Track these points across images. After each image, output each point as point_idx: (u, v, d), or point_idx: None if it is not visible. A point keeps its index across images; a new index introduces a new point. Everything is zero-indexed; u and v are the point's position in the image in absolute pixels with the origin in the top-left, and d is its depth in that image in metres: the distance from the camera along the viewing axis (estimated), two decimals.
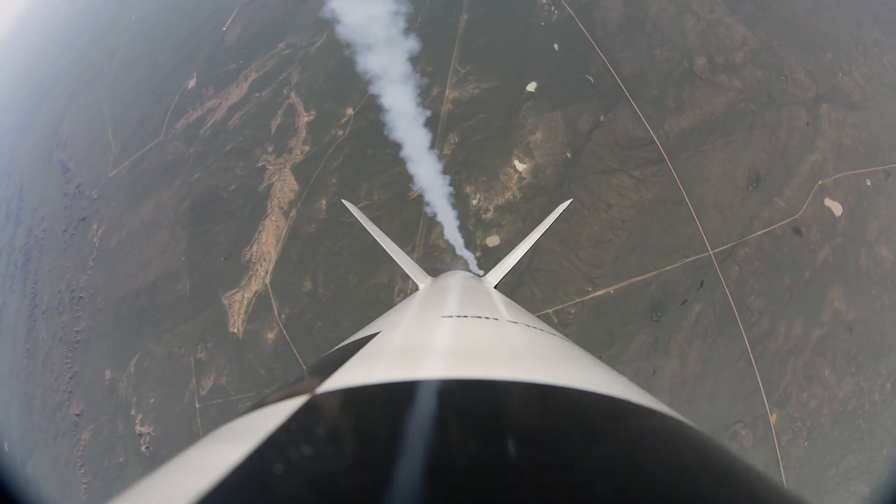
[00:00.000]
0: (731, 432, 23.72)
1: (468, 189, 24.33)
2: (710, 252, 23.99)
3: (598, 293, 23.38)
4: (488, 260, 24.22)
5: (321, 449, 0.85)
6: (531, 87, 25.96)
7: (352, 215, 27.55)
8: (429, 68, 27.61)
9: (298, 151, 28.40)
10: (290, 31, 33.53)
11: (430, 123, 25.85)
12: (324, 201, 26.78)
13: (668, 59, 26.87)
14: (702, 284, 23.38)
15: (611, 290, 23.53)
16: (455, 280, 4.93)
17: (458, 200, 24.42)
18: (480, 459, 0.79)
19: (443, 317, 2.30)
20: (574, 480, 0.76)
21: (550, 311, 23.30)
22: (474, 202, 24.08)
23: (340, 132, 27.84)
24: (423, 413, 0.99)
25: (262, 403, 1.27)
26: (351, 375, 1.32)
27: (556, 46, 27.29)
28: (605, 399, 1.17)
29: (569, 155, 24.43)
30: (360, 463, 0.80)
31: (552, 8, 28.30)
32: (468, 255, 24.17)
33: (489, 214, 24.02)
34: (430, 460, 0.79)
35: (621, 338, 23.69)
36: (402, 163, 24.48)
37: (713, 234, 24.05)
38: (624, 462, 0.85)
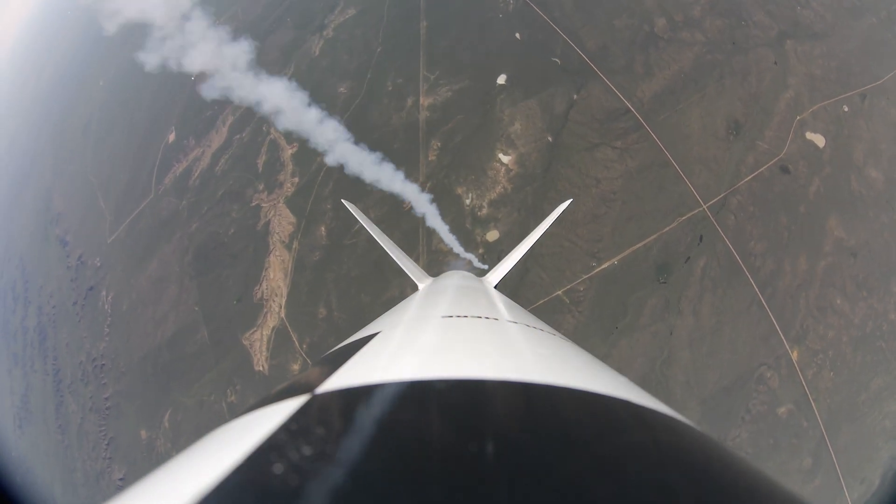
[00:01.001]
0: (757, 376, 24.52)
1: (459, 190, 25.23)
2: (704, 206, 24.79)
3: (603, 266, 24.24)
4: (491, 255, 25.09)
5: (321, 449, 0.86)
6: (501, 79, 26.83)
7: (353, 237, 28.49)
8: (399, 80, 28.52)
9: (289, 184, 29.32)
10: (259, 67, 34.43)
11: (410, 133, 26.74)
12: (323, 228, 27.70)
13: (628, 26, 27.68)
14: (701, 239, 24.20)
15: (615, 261, 24.37)
16: (455, 280, 4.97)
17: (452, 202, 25.31)
18: (480, 460, 0.80)
19: (443, 317, 2.32)
20: (574, 480, 0.77)
21: (560, 292, 24.16)
22: (467, 202, 24.99)
23: (319, 159, 28.79)
24: (423, 413, 1.01)
25: (262, 403, 1.29)
26: (351, 375, 1.33)
27: (517, 35, 28.14)
28: (606, 399, 1.19)
29: (550, 139, 25.30)
30: (360, 463, 0.80)
31: (511, 1, 29.16)
32: (469, 255, 25.07)
33: (484, 211, 24.91)
34: (429, 460, 0.80)
35: (633, 305, 24.52)
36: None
37: (703, 188, 24.85)
38: (624, 462, 0.86)
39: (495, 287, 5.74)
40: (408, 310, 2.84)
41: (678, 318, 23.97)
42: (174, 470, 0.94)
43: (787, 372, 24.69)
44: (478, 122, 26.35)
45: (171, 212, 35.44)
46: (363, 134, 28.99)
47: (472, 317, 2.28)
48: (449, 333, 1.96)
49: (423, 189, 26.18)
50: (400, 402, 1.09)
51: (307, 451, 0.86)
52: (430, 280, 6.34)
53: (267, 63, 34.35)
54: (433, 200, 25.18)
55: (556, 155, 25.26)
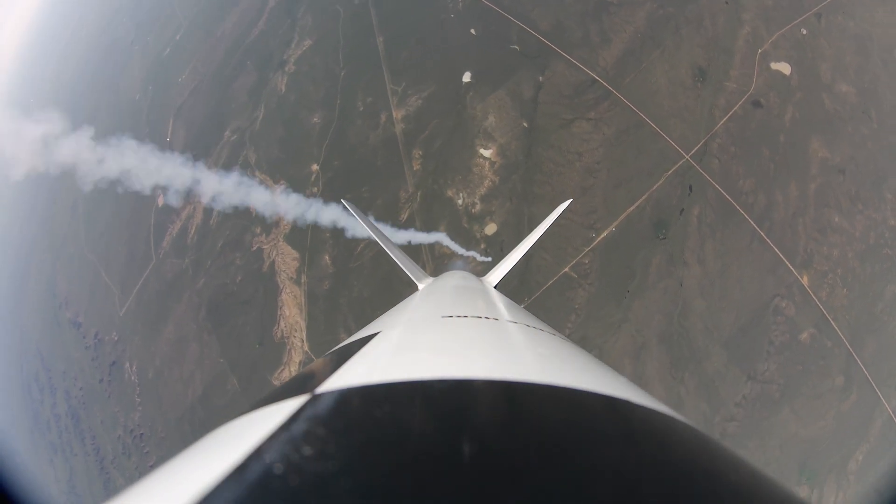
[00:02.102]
0: (773, 308, 25.36)
1: (450, 192, 26.17)
2: (687, 157, 25.64)
3: (602, 236, 25.14)
4: (493, 248, 26.02)
5: (321, 449, 0.87)
6: (467, 77, 27.74)
7: (357, 259, 29.42)
8: (368, 99, 29.46)
9: (284, 222, 30.30)
10: (229, 116, 35.40)
11: (390, 147, 27.67)
12: (326, 257, 28.67)
13: (581, 11, 28.55)
14: (691, 189, 25.06)
15: (612, 228, 25.26)
16: (455, 280, 5.01)
17: (445, 205, 26.24)
18: (480, 459, 0.81)
19: (443, 317, 2.34)
20: (575, 480, 0.78)
21: (567, 269, 25.08)
22: (459, 202, 25.94)
23: (315, 189, 29.72)
24: (423, 413, 1.03)
25: (262, 403, 1.31)
26: (351, 375, 1.34)
27: (473, 31, 29.04)
28: (606, 399, 1.21)
29: (525, 124, 26.20)
30: (360, 463, 0.81)
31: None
32: (472, 252, 25.99)
33: (477, 207, 25.84)
34: (429, 460, 0.81)
35: (639, 266, 25.41)
36: (382, 194, 26.31)
37: (682, 139, 25.70)
38: (624, 462, 0.87)
39: (495, 287, 5.84)
40: (408, 310, 2.88)
41: (685, 270, 24.86)
42: (174, 470, 0.96)
43: (801, 298, 25.54)
44: (453, 124, 27.27)
45: (175, 273, 36.46)
46: (345, 157, 29.94)
47: (472, 317, 2.32)
48: (449, 333, 2.00)
49: (413, 195, 27.12)
50: (400, 402, 1.11)
51: (307, 451, 0.87)
52: (429, 280, 6.37)
53: (237, 109, 35.35)
54: (432, 194, 26.00)
55: (535, 139, 26.15)
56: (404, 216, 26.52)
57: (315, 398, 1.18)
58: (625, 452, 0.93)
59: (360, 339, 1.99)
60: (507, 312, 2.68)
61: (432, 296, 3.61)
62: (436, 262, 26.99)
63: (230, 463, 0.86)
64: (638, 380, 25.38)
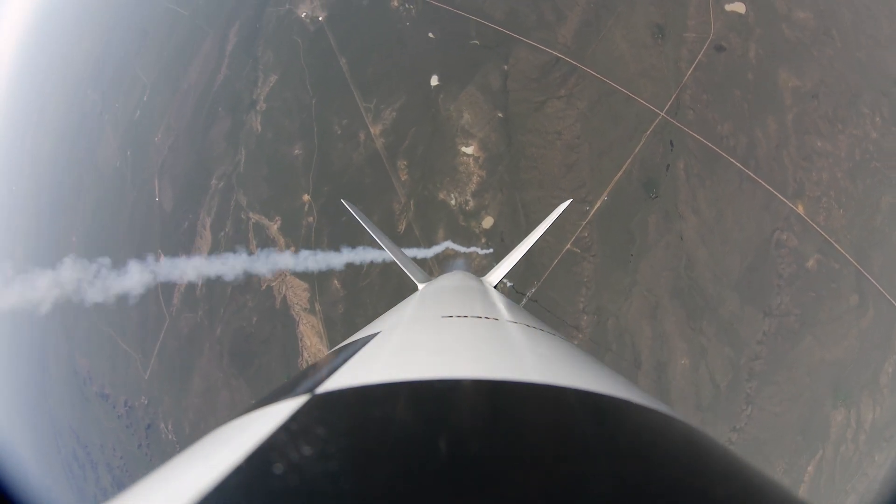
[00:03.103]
0: (775, 242, 26.10)
1: (442, 195, 26.99)
2: (662, 114, 26.39)
3: (596, 207, 25.93)
4: (493, 239, 26.85)
5: (321, 449, 0.88)
6: (434, 81, 28.54)
7: (365, 277, 30.24)
8: (344, 121, 30.29)
9: (289, 258, 31.19)
10: (212, 164, 36.27)
11: (375, 164, 28.50)
12: (335, 281, 29.50)
13: (540, 15, 29.32)
14: (672, 144, 25.82)
15: (604, 197, 26.04)
16: (454, 280, 5.04)
17: (440, 208, 27.05)
18: (480, 459, 0.82)
19: (442, 317, 2.36)
20: (575, 480, 0.78)
21: (569, 246, 25.89)
22: (453, 202, 26.76)
23: (310, 219, 30.58)
24: (422, 413, 1.04)
25: (262, 403, 1.32)
26: (351, 375, 1.35)
27: (431, 35, 29.83)
28: (605, 399, 1.22)
29: (500, 115, 27.00)
30: (360, 463, 0.82)
31: (407, 6, 30.84)
32: (473, 248, 26.82)
33: (470, 204, 26.67)
34: (429, 460, 0.81)
35: (638, 228, 26.19)
36: (377, 210, 27.15)
37: (654, 98, 26.45)
38: (624, 461, 0.87)
39: (495, 287, 5.82)
40: (408, 310, 2.90)
41: (682, 223, 25.63)
42: (174, 470, 0.98)
43: (800, 227, 26.28)
44: (431, 129, 28.08)
45: (191, 327, 37.36)
46: (333, 182, 30.77)
47: (472, 317, 2.33)
48: (449, 333, 2.01)
49: (407, 205, 27.94)
50: (400, 402, 1.12)
51: (307, 451, 0.87)
52: (429, 280, 6.36)
53: (218, 156, 36.20)
54: (424, 201, 26.87)
55: (512, 127, 26.95)
56: (402, 227, 27.35)
57: (315, 398, 1.19)
58: (624, 451, 0.94)
59: (360, 339, 2.03)
60: (507, 312, 2.73)
61: (432, 296, 3.66)
62: (440, 263, 27.81)
63: (231, 462, 0.87)
64: (659, 338, 26.18)
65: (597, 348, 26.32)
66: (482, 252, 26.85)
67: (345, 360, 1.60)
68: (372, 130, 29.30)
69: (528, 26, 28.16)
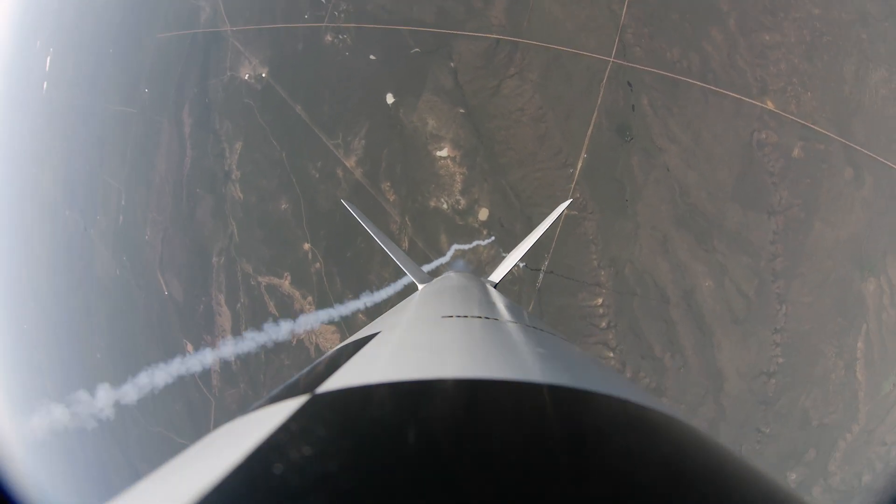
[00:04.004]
0: (756, 143, 27.02)
1: (433, 203, 28.16)
2: (611, 59, 27.41)
3: (579, 167, 27.02)
4: (493, 228, 28.00)
5: (321, 449, 0.90)
6: (390, 99, 29.70)
7: (387, 306, 31.31)
8: (318, 163, 31.51)
9: (307, 306, 32.42)
10: (208, 243, 37.57)
11: (361, 195, 29.69)
12: (360, 315, 30.74)
13: (467, 4, 30.38)
14: (630, 85, 26.84)
15: (583, 155, 27.11)
16: (455, 280, 5.12)
17: (434, 216, 28.21)
18: (480, 459, 0.83)
19: (443, 317, 2.38)
20: (575, 480, 0.80)
21: (564, 211, 27.01)
22: (445, 206, 27.94)
23: (317, 265, 31.83)
24: (422, 413, 1.05)
25: (262, 403, 1.34)
26: (351, 375, 1.37)
27: (372, 57, 30.98)
28: (606, 399, 1.23)
29: (462, 110, 28.11)
30: (360, 463, 0.83)
31: (340, 37, 32.00)
32: (476, 242, 28.00)
33: (462, 203, 27.81)
34: (429, 460, 0.83)
35: (624, 174, 27.23)
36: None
37: (599, 47, 27.44)
38: (624, 461, 0.90)
39: (495, 287, 5.94)
40: (408, 310, 2.94)
41: (664, 155, 26.64)
42: (174, 470, 1.00)
43: (775, 122, 27.20)
44: (401, 145, 29.23)
45: (238, 401, 38.66)
46: (327, 224, 31.98)
47: (472, 317, 2.35)
48: (449, 333, 2.02)
49: (403, 223, 29.13)
50: (400, 402, 1.13)
51: (307, 451, 0.89)
52: (430, 280, 6.49)
53: (210, 234, 37.48)
54: (418, 210, 28.09)
55: (476, 118, 28.05)
56: (406, 244, 28.51)
57: (315, 398, 1.20)
58: (625, 451, 0.95)
59: (360, 339, 2.06)
60: (507, 312, 2.75)
61: (432, 296, 3.71)
62: (451, 265, 28.96)
63: (231, 463, 0.88)
64: (677, 269, 27.20)
65: (622, 298, 27.39)
66: (485, 243, 28.02)
67: (345, 360, 1.64)
68: (347, 164, 30.48)
69: (460, 19, 29.23)
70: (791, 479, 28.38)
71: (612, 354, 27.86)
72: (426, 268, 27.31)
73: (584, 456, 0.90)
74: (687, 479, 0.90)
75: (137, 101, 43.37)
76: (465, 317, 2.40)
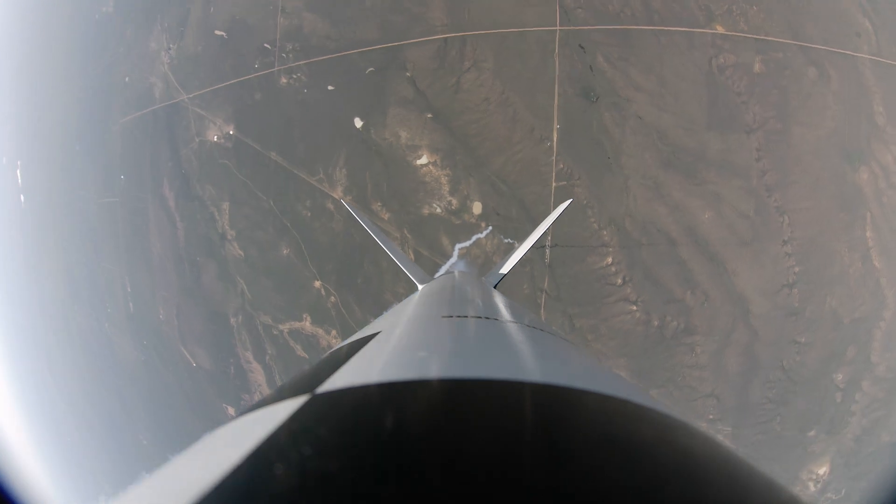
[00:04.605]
0: (717, 68, 27.77)
1: (426, 211, 29.16)
2: (557, 27, 28.30)
3: (555, 139, 27.96)
4: (490, 219, 28.98)
5: (321, 449, 0.91)
6: (358, 123, 30.71)
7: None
8: (307, 202, 32.58)
9: (334, 340, 33.49)
10: (222, 306, 38.66)
11: (356, 221, 30.75)
12: None
13: (378, 1, 31.39)
14: (582, 47, 27.73)
15: (556, 126, 28.04)
16: (454, 280, 5.17)
17: (431, 222, 29.22)
18: (480, 459, 0.84)
19: (443, 317, 2.41)
20: (574, 480, 0.80)
21: (553, 185, 27.95)
22: (439, 211, 28.95)
23: (332, 299, 32.87)
24: (422, 413, 1.07)
25: (261, 403, 1.35)
26: (351, 375, 1.38)
27: (330, 87, 31.97)
28: (606, 399, 1.24)
29: (430, 115, 29.10)
30: (360, 463, 0.84)
31: (293, 76, 33.00)
32: (476, 236, 29.00)
33: (454, 203, 28.81)
34: (429, 461, 0.84)
35: (600, 133, 28.12)
36: (383, 258, 29.38)
37: (542, 19, 28.26)
38: (624, 462, 0.90)
39: (495, 287, 6.00)
40: (408, 310, 2.95)
41: (633, 106, 27.52)
42: (174, 471, 0.99)
43: (729, 43, 27.95)
44: (381, 164, 30.21)
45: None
46: (331, 258, 33.01)
47: (472, 317, 2.38)
48: (448, 333, 2.07)
49: (404, 237, 30.14)
50: (400, 402, 1.15)
51: (307, 451, 0.90)
52: (429, 280, 6.56)
53: (222, 298, 38.56)
54: (415, 220, 29.11)
55: (445, 118, 29.00)
56: (411, 256, 29.51)
57: (315, 398, 1.22)
58: (625, 452, 0.95)
59: (360, 339, 2.08)
60: (507, 312, 2.79)
61: (432, 296, 3.74)
62: (454, 264, 29.93)
63: (230, 463, 0.89)
64: (675, 210, 28.10)
65: (630, 251, 28.31)
66: (484, 234, 29.01)
67: (345, 360, 1.66)
68: (335, 195, 31.49)
69: (404, 28, 30.18)
70: (838, 381, 29.26)
71: (634, 308, 28.80)
72: (437, 273, 28.38)
73: (585, 457, 0.91)
74: (690, 479, 0.90)
75: (116, 190, 44.52)
76: (465, 317, 2.44)
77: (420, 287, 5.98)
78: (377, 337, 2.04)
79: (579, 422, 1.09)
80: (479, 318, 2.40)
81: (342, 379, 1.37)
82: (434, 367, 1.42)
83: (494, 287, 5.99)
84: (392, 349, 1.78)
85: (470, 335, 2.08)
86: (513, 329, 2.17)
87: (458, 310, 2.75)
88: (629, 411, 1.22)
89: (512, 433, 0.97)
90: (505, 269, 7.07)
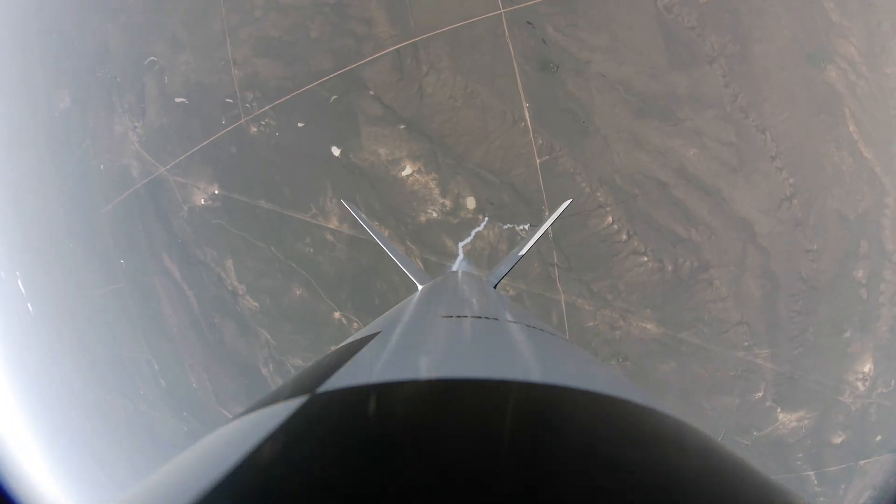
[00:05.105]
0: (662, 8, 28.54)
1: (423, 219, 30.17)
2: (501, 10, 29.14)
3: (527, 118, 28.85)
4: (485, 209, 29.93)
5: (321, 449, 0.92)
6: (336, 151, 31.73)
7: None
8: (307, 239, 33.64)
9: None
10: (251, 361, 39.77)
11: (359, 246, 31.78)
12: None
13: (322, 25, 32.31)
14: (530, 23, 28.60)
15: (525, 105, 28.94)
16: (454, 280, 5.27)
17: (433, 228, 30.25)
18: (480, 460, 0.85)
19: (443, 317, 2.44)
20: (574, 481, 0.81)
21: (537, 161, 28.87)
22: (435, 215, 29.97)
23: (354, 325, 33.91)
24: (422, 413, 1.08)
25: (261, 404, 1.36)
26: (351, 375, 1.40)
27: (300, 125, 32.95)
28: (606, 399, 1.26)
29: (402, 126, 30.05)
30: (360, 463, 0.84)
31: (263, 123, 34.00)
32: (476, 229, 29.96)
33: (448, 204, 29.81)
34: (429, 461, 0.84)
35: (569, 101, 28.97)
36: (396, 272, 30.36)
37: (485, 4, 29.02)
38: (624, 462, 0.91)
39: (495, 287, 6.12)
40: (407, 310, 2.98)
41: (593, 66, 28.37)
42: (174, 471, 1.01)
43: None
44: (368, 184, 31.17)
45: None
46: (342, 286, 34.03)
47: (472, 317, 2.42)
48: (449, 333, 2.09)
49: (408, 249, 31.12)
50: (400, 402, 1.17)
51: (307, 451, 0.92)
52: (429, 280, 6.67)
53: (246, 356, 39.67)
54: (414, 228, 30.12)
55: (418, 125, 29.92)
56: (421, 265, 30.52)
57: (315, 398, 1.24)
58: (625, 453, 0.96)
59: (360, 339, 2.13)
60: (508, 312, 2.83)
61: (432, 296, 3.78)
62: (463, 259, 30.88)
63: (229, 463, 0.90)
64: (660, 155, 28.94)
65: (627, 206, 29.19)
66: (483, 227, 29.99)
67: (345, 360, 1.67)
68: (332, 226, 32.53)
69: (355, 50, 31.11)
70: (859, 278, 30.06)
71: (645, 258, 29.69)
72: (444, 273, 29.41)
73: (585, 457, 0.92)
74: (690, 479, 0.91)
75: (119, 275, 45.70)
76: (465, 316, 2.47)
77: (420, 287, 6.03)
78: (377, 337, 2.08)
79: (580, 422, 1.11)
80: (479, 318, 2.43)
81: (342, 379, 1.39)
82: (433, 367, 1.44)
83: (494, 287, 6.07)
84: (392, 349, 1.83)
85: (470, 335, 2.10)
86: (513, 329, 2.21)
87: (459, 310, 2.78)
88: (629, 411, 1.24)
89: (512, 433, 0.98)
90: (505, 269, 7.22)
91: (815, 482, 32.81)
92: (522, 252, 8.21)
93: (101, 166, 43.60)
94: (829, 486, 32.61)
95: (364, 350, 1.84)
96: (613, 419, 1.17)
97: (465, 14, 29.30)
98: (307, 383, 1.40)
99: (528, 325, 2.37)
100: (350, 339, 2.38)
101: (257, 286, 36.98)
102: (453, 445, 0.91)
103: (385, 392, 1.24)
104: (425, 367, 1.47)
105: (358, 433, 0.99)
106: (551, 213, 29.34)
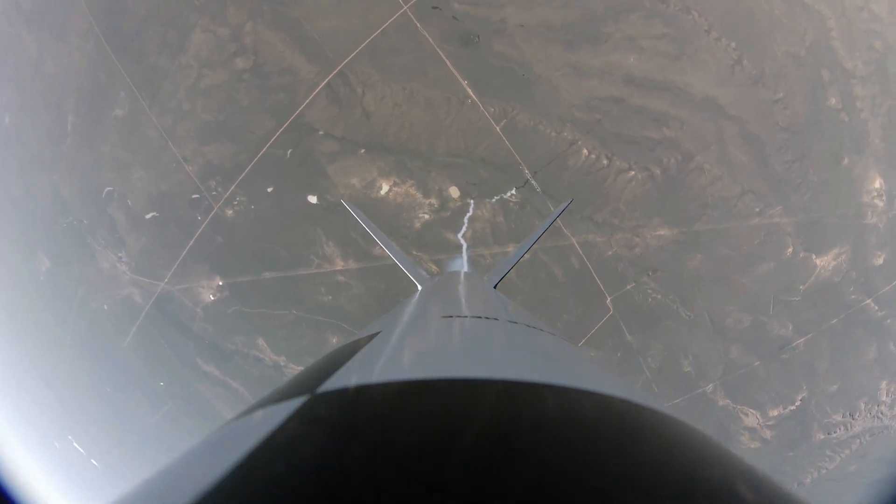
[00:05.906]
0: None
1: (417, 225, 31.72)
2: (405, 7, 30.46)
3: (471, 96, 30.34)
4: (470, 195, 31.44)
5: (320, 449, 0.94)
6: (313, 199, 33.33)
7: None
8: (321, 289, 35.28)
9: None
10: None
11: (368, 275, 33.38)
12: None
13: (252, 97, 33.78)
14: (435, 7, 29.95)
15: (466, 87, 30.39)
16: (454, 280, 5.32)
17: (428, 230, 31.83)
18: (479, 460, 0.87)
19: (443, 317, 2.49)
20: (574, 481, 0.83)
21: (508, 146, 30.39)
22: (427, 216, 31.61)
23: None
24: (423, 413, 1.10)
25: (261, 404, 1.39)
26: (351, 375, 1.44)
27: (269, 189, 34.55)
28: (606, 399, 1.28)
29: (363, 151, 31.63)
30: (360, 464, 0.86)
31: (235, 202, 35.59)
32: (467, 215, 31.51)
33: (435, 202, 31.34)
34: (428, 461, 0.86)
35: (503, 63, 30.25)
36: (403, 279, 31.99)
37: (388, 7, 30.47)
38: (624, 463, 0.93)
39: (494, 287, 6.15)
40: (407, 310, 3.05)
41: (510, 21, 29.63)
42: (174, 470, 1.03)
43: None
44: (355, 217, 32.82)
45: None
46: (368, 319, 35.67)
47: (472, 317, 2.48)
48: (449, 333, 2.14)
49: (415, 258, 32.69)
50: (400, 402, 1.19)
51: (306, 451, 0.93)
52: (429, 280, 6.71)
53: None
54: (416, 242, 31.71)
55: (377, 143, 31.39)
56: (436, 268, 32.17)
57: (315, 398, 1.27)
58: (625, 453, 0.98)
59: (360, 339, 2.16)
60: (508, 312, 2.88)
61: (432, 296, 3.85)
62: (469, 247, 32.42)
63: (230, 463, 0.92)
64: (605, 75, 30.26)
65: (595, 132, 30.57)
66: (472, 211, 31.59)
67: (345, 360, 1.71)
68: (339, 267, 34.16)
69: (290, 99, 32.52)
70: (834, 105, 31.28)
71: (632, 171, 31.09)
72: (450, 263, 30.87)
73: (585, 457, 0.93)
74: (690, 479, 0.92)
75: (164, 397, 47.53)
76: (465, 316, 2.52)
77: (420, 287, 6.10)
78: (377, 337, 2.10)
79: (580, 422, 1.13)
80: (479, 318, 2.47)
81: (342, 379, 1.41)
82: (433, 368, 1.45)
83: (494, 287, 6.14)
84: (392, 349, 1.84)
85: (470, 335, 2.14)
86: (513, 329, 2.25)
87: (459, 309, 2.84)
88: (629, 411, 1.26)
89: (512, 433, 1.00)
90: (506, 269, 7.25)
91: (876, 307, 34.25)
92: (521, 255, 8.31)
93: (105, 306, 45.32)
94: (891, 307, 34.05)
95: (364, 350, 1.89)
96: (613, 419, 1.19)
97: (373, 25, 30.68)
98: (307, 383, 1.44)
99: (528, 326, 2.43)
100: (350, 340, 2.41)
101: (295, 352, 38.66)
102: (453, 446, 0.93)
103: (385, 392, 1.26)
104: (425, 367, 1.48)
105: (358, 433, 1.01)
106: (531, 171, 30.86)
